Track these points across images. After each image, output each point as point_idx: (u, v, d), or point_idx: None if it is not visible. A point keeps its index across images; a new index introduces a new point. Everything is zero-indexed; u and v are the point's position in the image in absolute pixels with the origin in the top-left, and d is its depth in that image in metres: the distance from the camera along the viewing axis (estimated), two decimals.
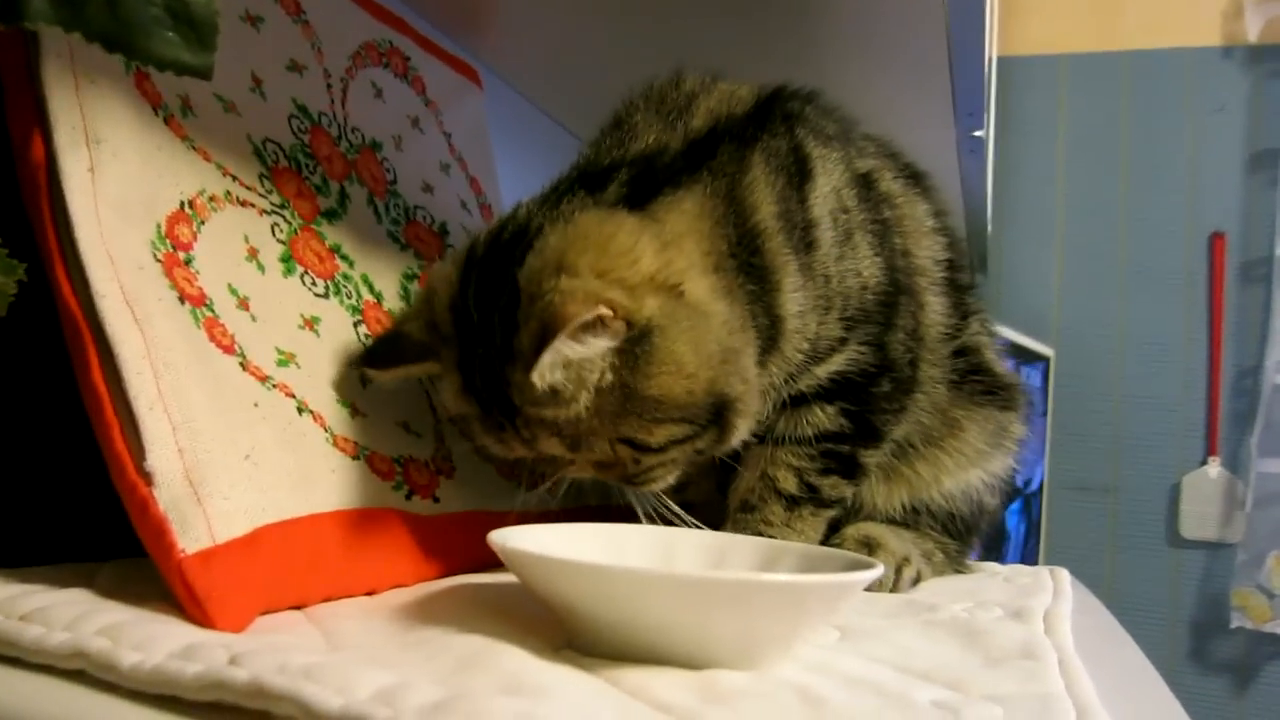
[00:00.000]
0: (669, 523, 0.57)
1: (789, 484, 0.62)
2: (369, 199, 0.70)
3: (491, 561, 0.50)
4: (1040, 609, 0.52)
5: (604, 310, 0.48)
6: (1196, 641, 2.08)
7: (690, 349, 0.51)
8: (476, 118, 0.93)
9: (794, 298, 0.60)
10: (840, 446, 0.63)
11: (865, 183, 0.68)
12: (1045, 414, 2.05)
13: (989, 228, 1.80)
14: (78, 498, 0.49)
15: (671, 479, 0.57)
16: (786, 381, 0.61)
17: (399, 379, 0.57)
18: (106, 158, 0.46)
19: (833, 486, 0.62)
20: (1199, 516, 2.09)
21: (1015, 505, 1.95)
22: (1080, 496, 2.16)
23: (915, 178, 0.75)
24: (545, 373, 0.48)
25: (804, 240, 0.61)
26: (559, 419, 0.50)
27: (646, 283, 0.51)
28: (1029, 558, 2.01)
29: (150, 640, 0.33)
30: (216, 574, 0.38)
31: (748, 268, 0.58)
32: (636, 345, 0.50)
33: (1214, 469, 2.08)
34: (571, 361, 0.49)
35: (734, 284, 0.57)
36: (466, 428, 0.56)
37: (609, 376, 0.50)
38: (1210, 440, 2.09)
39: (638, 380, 0.50)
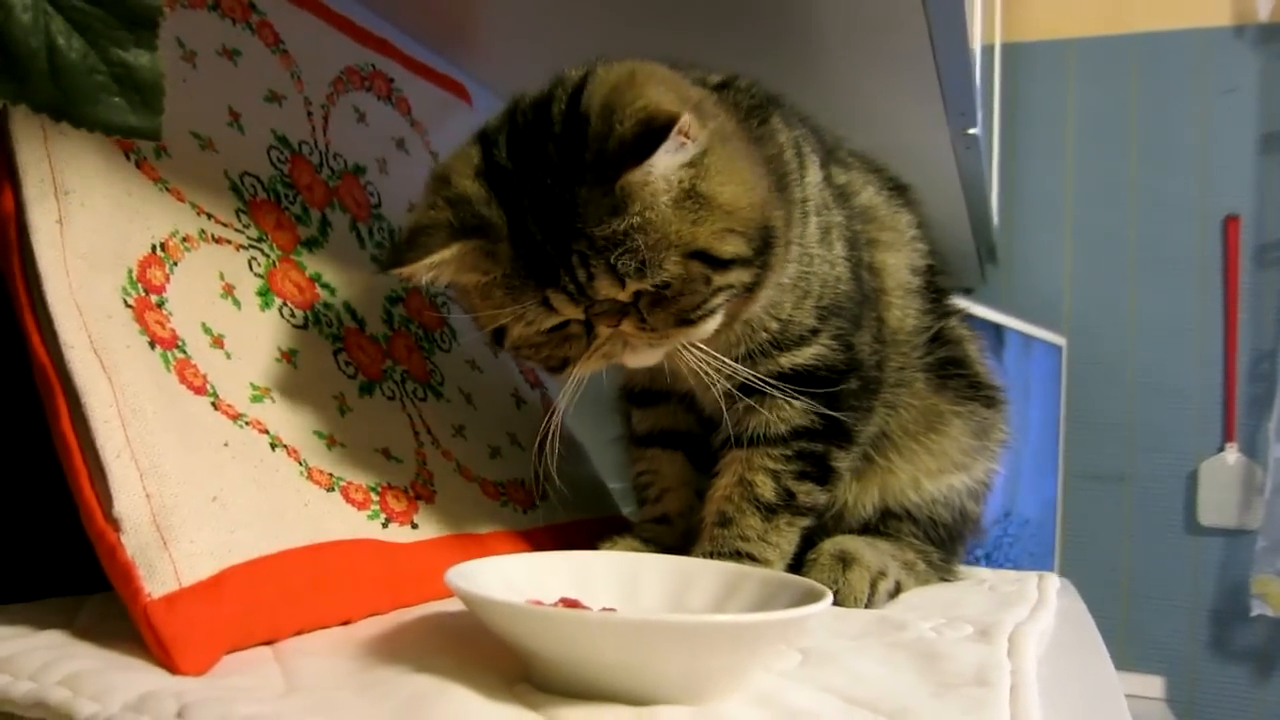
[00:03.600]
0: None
1: (766, 490, 0.62)
2: (351, 224, 0.71)
3: None
4: (1011, 625, 0.53)
5: (689, 119, 0.51)
6: (1216, 630, 2.06)
7: (747, 165, 0.55)
8: (465, 134, 0.94)
9: (788, 267, 0.61)
10: (814, 445, 0.63)
11: (842, 194, 0.69)
12: (1059, 404, 2.04)
13: (995, 219, 1.79)
14: (65, 535, 0.51)
15: (718, 321, 0.56)
16: (745, 358, 0.61)
17: (432, 270, 0.54)
18: (75, 208, 0.47)
19: (807, 493, 0.63)
20: (1217, 503, 2.07)
21: (1036, 496, 1.95)
22: (1096, 485, 2.15)
23: (899, 190, 0.77)
24: (655, 167, 0.50)
25: (802, 211, 0.63)
26: (631, 232, 0.50)
27: (699, 106, 0.54)
28: (1047, 548, 2.01)
29: (108, 690, 0.34)
30: (180, 617, 0.40)
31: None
32: (704, 156, 0.52)
33: (1232, 455, 2.06)
34: (665, 166, 0.51)
35: None
36: (504, 304, 0.54)
37: (685, 184, 0.52)
38: (1228, 426, 2.07)
39: (711, 186, 0.52)
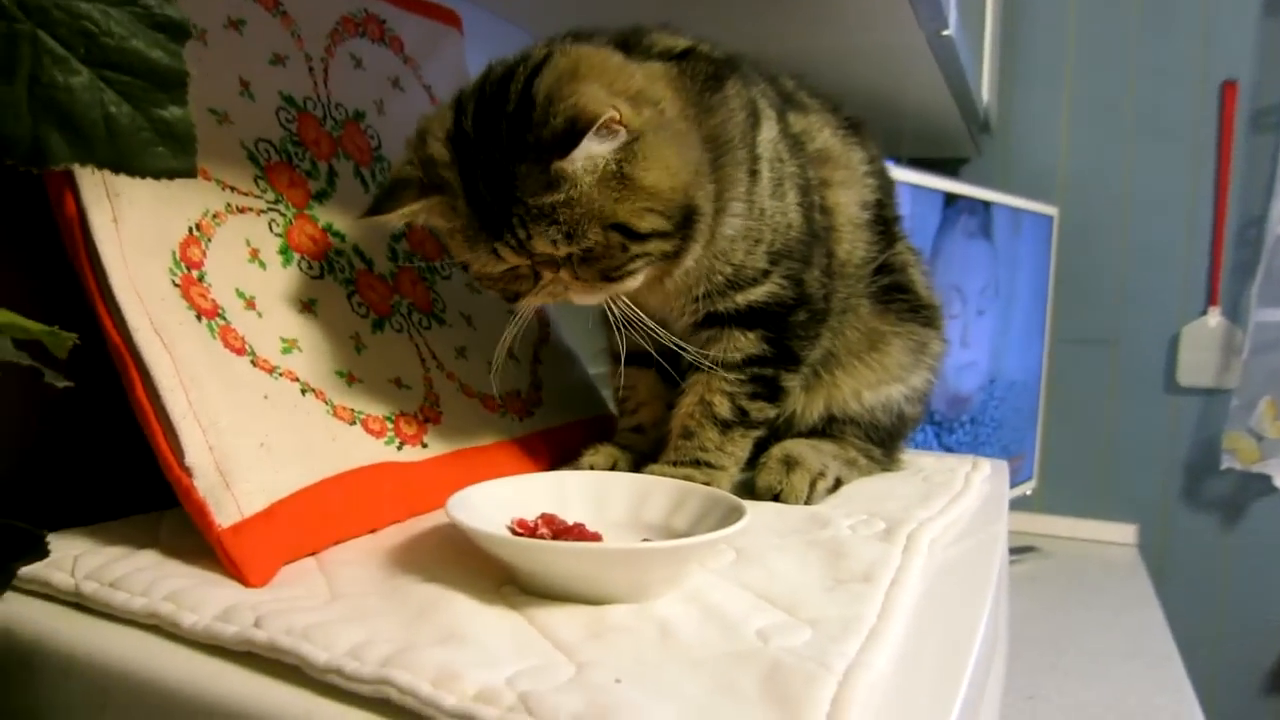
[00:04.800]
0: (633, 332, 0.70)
1: (723, 409, 0.73)
2: (355, 170, 0.79)
3: None
4: (916, 522, 0.64)
5: (614, 113, 0.60)
6: (1189, 482, 2.20)
7: (674, 153, 0.63)
8: (456, 63, 0.99)
9: (733, 222, 0.70)
10: (764, 370, 0.74)
11: (797, 143, 0.76)
12: (1049, 272, 2.11)
13: (985, 96, 1.82)
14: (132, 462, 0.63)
15: (638, 281, 0.67)
16: (704, 297, 0.72)
17: (404, 219, 0.66)
18: (125, 207, 0.56)
19: (759, 410, 0.74)
20: (1197, 364, 2.17)
21: (1022, 361, 2.05)
22: (1081, 349, 2.24)
23: (854, 128, 0.83)
24: (576, 160, 0.59)
25: (751, 169, 0.71)
26: (559, 205, 0.61)
27: (639, 95, 0.63)
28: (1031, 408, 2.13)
29: (202, 603, 0.46)
30: (245, 542, 0.52)
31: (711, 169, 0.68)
32: (635, 143, 0.61)
33: (1214, 318, 2.15)
34: (589, 154, 0.60)
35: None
36: (464, 249, 0.66)
37: (611, 167, 0.61)
38: (1212, 290, 2.15)
39: (635, 171, 0.61)
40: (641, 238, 0.63)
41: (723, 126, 0.68)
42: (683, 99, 0.66)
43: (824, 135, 0.80)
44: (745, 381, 0.73)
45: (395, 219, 0.66)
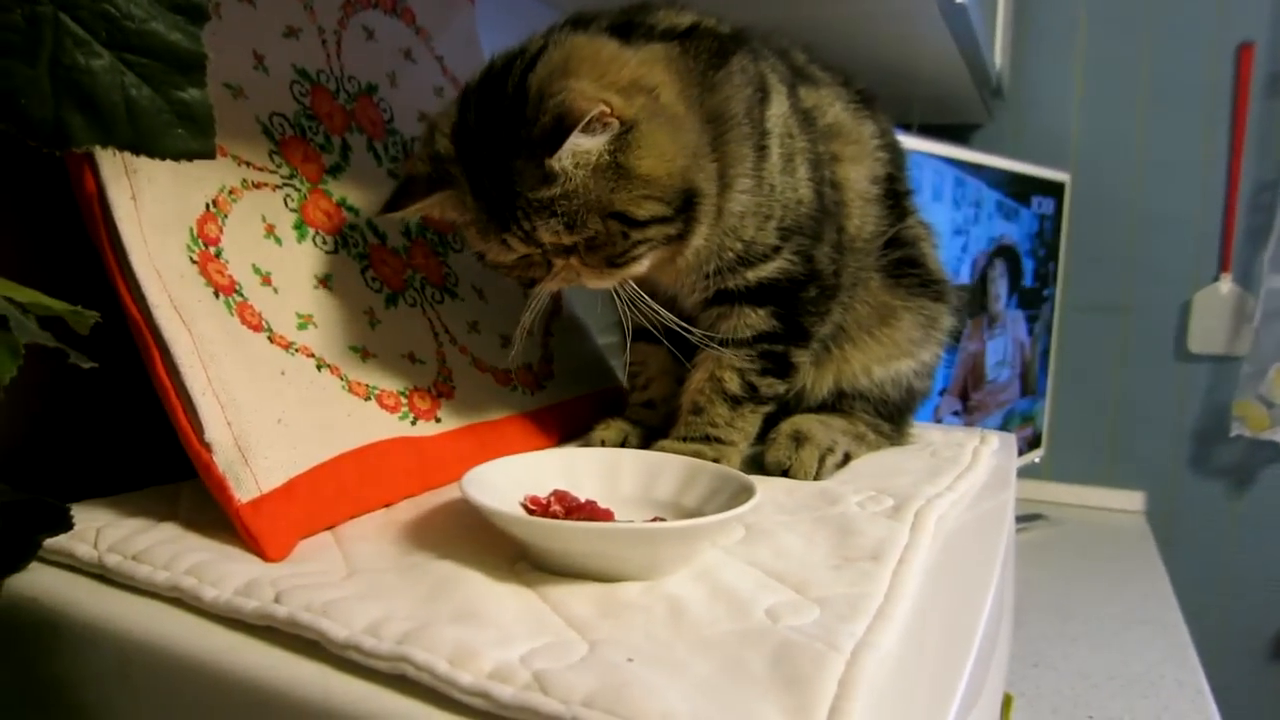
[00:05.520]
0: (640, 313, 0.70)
1: (732, 385, 0.74)
2: (368, 144, 0.79)
3: None
4: (924, 499, 0.65)
5: (604, 108, 0.61)
6: (1197, 449, 2.21)
7: (669, 139, 0.63)
8: (467, 32, 0.99)
9: (740, 198, 0.70)
10: (775, 346, 0.74)
11: (807, 117, 0.76)
12: (1058, 239, 2.10)
13: (998, 61, 1.80)
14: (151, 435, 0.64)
15: (645, 265, 0.68)
16: (715, 274, 0.72)
17: (418, 214, 0.68)
18: (143, 184, 0.57)
19: (769, 386, 0.74)
20: (1207, 331, 2.16)
21: (1029, 328, 2.05)
22: (1093, 316, 2.24)
23: (866, 101, 0.83)
24: (563, 158, 0.60)
25: (759, 145, 0.71)
26: (557, 198, 0.62)
27: (632, 85, 0.63)
28: (1042, 376, 2.13)
29: (223, 578, 0.47)
30: (264, 517, 0.53)
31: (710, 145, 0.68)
32: (628, 133, 0.62)
33: (1225, 285, 2.14)
34: (579, 149, 0.61)
35: (701, 128, 0.67)
36: (478, 240, 0.67)
37: (605, 158, 0.61)
38: (1224, 257, 2.14)
39: (630, 160, 0.62)
40: (641, 224, 0.64)
41: (727, 103, 0.68)
42: (682, 80, 0.66)
43: (835, 109, 0.79)
44: (755, 358, 0.73)
45: (410, 213, 0.68)
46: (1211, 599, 2.17)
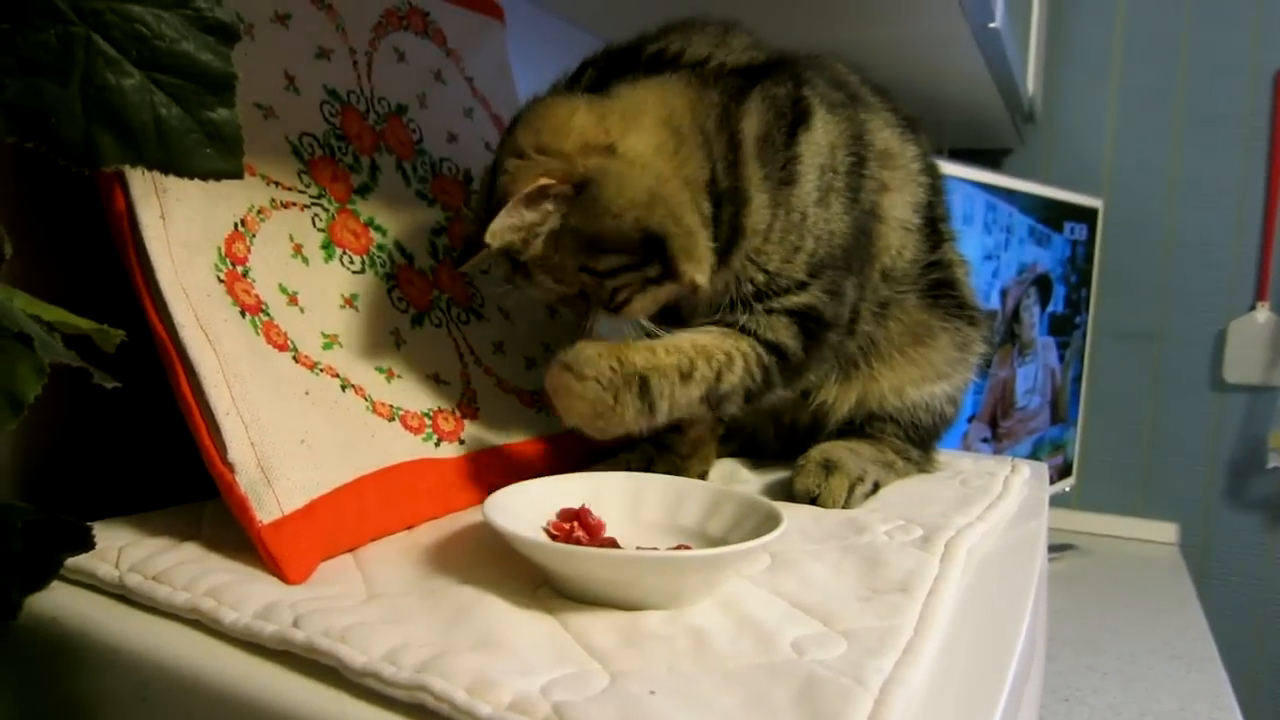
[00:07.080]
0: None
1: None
2: (397, 164, 0.79)
3: None
4: (954, 529, 0.64)
5: (544, 181, 0.63)
6: (1232, 481, 2.16)
7: (616, 193, 0.64)
8: (498, 54, 0.99)
9: (762, 214, 0.69)
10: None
11: (861, 144, 0.75)
12: (1090, 266, 2.08)
13: (1031, 86, 1.79)
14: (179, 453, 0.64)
15: (645, 306, 0.69)
16: (737, 303, 0.71)
17: (478, 266, 0.72)
18: (172, 203, 0.57)
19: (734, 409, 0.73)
20: (1243, 360, 2.13)
21: (1060, 355, 2.02)
22: (1125, 344, 2.21)
23: (910, 123, 0.82)
24: (499, 234, 0.63)
25: (782, 170, 0.70)
26: (533, 261, 0.66)
27: (579, 149, 0.64)
28: (1073, 403, 2.10)
29: (242, 600, 0.47)
30: (285, 538, 0.52)
31: (722, 173, 0.68)
32: (577, 195, 0.64)
33: (1262, 314, 2.10)
34: (525, 223, 0.64)
35: (693, 160, 0.67)
36: (524, 285, 0.70)
37: (554, 224, 0.64)
38: (1261, 285, 2.10)
39: (579, 222, 0.64)
40: (609, 274, 0.66)
41: (742, 130, 0.68)
42: (678, 115, 0.67)
43: (885, 134, 0.78)
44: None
45: (467, 268, 0.73)
46: (1247, 634, 2.12)
